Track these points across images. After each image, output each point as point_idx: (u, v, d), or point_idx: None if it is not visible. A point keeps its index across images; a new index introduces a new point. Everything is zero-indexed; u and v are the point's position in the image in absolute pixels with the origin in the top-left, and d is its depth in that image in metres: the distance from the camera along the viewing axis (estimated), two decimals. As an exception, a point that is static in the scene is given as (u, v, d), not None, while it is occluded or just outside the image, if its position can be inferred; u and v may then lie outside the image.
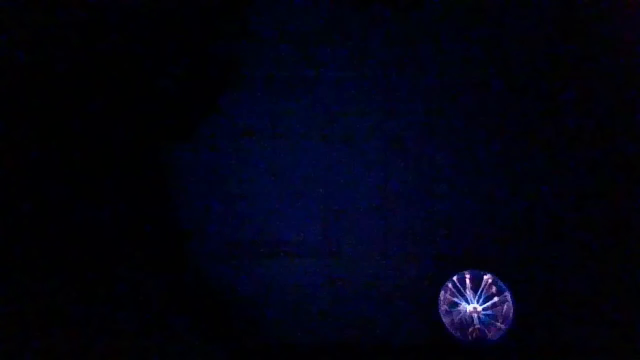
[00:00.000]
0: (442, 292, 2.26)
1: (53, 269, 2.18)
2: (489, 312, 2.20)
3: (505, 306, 2.19)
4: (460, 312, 2.22)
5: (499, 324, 2.18)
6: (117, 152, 2.35)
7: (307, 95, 2.47)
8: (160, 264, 2.31)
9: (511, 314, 2.17)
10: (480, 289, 2.22)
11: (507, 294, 2.19)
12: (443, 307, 2.25)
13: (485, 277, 2.23)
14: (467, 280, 2.24)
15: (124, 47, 2.41)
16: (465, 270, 2.26)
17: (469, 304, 2.22)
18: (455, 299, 2.23)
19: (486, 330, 2.19)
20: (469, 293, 2.23)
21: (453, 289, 2.25)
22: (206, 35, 2.43)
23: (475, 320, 2.20)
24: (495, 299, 2.20)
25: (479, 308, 2.21)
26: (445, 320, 2.24)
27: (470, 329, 2.20)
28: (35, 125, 2.32)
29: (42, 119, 2.33)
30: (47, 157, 2.29)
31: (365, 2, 2.40)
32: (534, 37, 2.35)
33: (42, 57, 2.21)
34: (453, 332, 2.22)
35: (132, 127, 2.39)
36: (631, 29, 2.29)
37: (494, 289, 2.21)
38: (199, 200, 2.43)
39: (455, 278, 2.26)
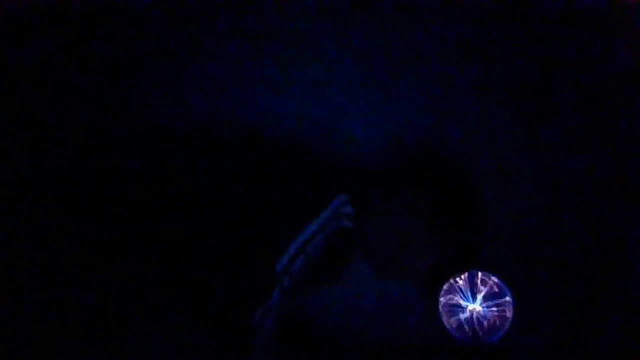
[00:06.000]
0: (442, 293, 2.26)
1: (51, 266, 2.19)
2: (489, 311, 2.20)
3: (505, 306, 2.19)
4: (460, 312, 2.23)
5: (499, 323, 2.18)
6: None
7: (307, 95, 2.47)
8: (162, 262, 2.31)
9: (511, 314, 2.17)
10: (480, 289, 2.22)
11: (507, 294, 2.19)
12: (443, 307, 2.25)
13: (485, 277, 2.23)
14: (467, 280, 2.24)
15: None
16: (465, 270, 2.26)
17: (468, 304, 2.22)
18: (455, 299, 2.23)
19: (486, 330, 2.19)
20: (468, 293, 2.23)
21: (453, 289, 2.25)
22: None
23: (475, 320, 2.20)
24: (495, 298, 2.20)
25: (479, 308, 2.21)
26: (445, 320, 2.24)
27: (470, 329, 2.20)
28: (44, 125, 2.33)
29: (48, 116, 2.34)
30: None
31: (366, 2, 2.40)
32: (534, 37, 2.35)
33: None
34: (453, 332, 2.23)
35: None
36: (631, 29, 2.29)
37: (493, 288, 2.21)
38: (201, 200, 2.43)
39: (455, 278, 2.26)
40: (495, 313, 2.19)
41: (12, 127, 2.31)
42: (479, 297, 2.21)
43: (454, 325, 2.22)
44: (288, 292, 2.08)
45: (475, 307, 2.22)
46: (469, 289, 2.22)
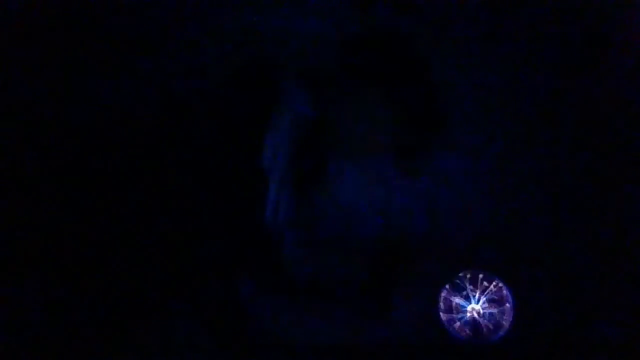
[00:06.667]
0: (442, 293, 2.26)
1: (51, 264, 2.18)
2: (489, 311, 2.20)
3: (505, 306, 2.19)
4: (460, 312, 2.23)
5: (499, 323, 2.18)
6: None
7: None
8: (162, 259, 2.31)
9: (511, 314, 2.18)
10: (480, 289, 2.22)
11: (507, 294, 2.19)
12: (443, 308, 2.25)
13: (485, 277, 2.23)
14: (467, 280, 2.24)
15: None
16: (465, 270, 2.26)
17: (469, 304, 2.22)
18: (456, 299, 2.24)
19: (486, 330, 2.19)
20: (469, 293, 2.23)
21: (453, 289, 2.25)
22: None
23: (475, 320, 2.21)
24: (496, 298, 2.20)
25: (479, 308, 2.21)
26: (446, 320, 2.24)
27: (470, 329, 2.20)
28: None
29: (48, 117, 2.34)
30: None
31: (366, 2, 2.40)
32: (534, 37, 2.35)
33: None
34: (453, 332, 2.23)
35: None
36: (631, 29, 2.29)
37: (494, 289, 2.21)
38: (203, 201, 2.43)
39: (456, 279, 2.26)
40: (495, 313, 2.19)
41: (12, 127, 2.31)
42: (480, 297, 2.21)
43: (454, 325, 2.22)
44: (281, 181, 2.20)
45: (475, 307, 2.22)
46: (469, 289, 2.22)
